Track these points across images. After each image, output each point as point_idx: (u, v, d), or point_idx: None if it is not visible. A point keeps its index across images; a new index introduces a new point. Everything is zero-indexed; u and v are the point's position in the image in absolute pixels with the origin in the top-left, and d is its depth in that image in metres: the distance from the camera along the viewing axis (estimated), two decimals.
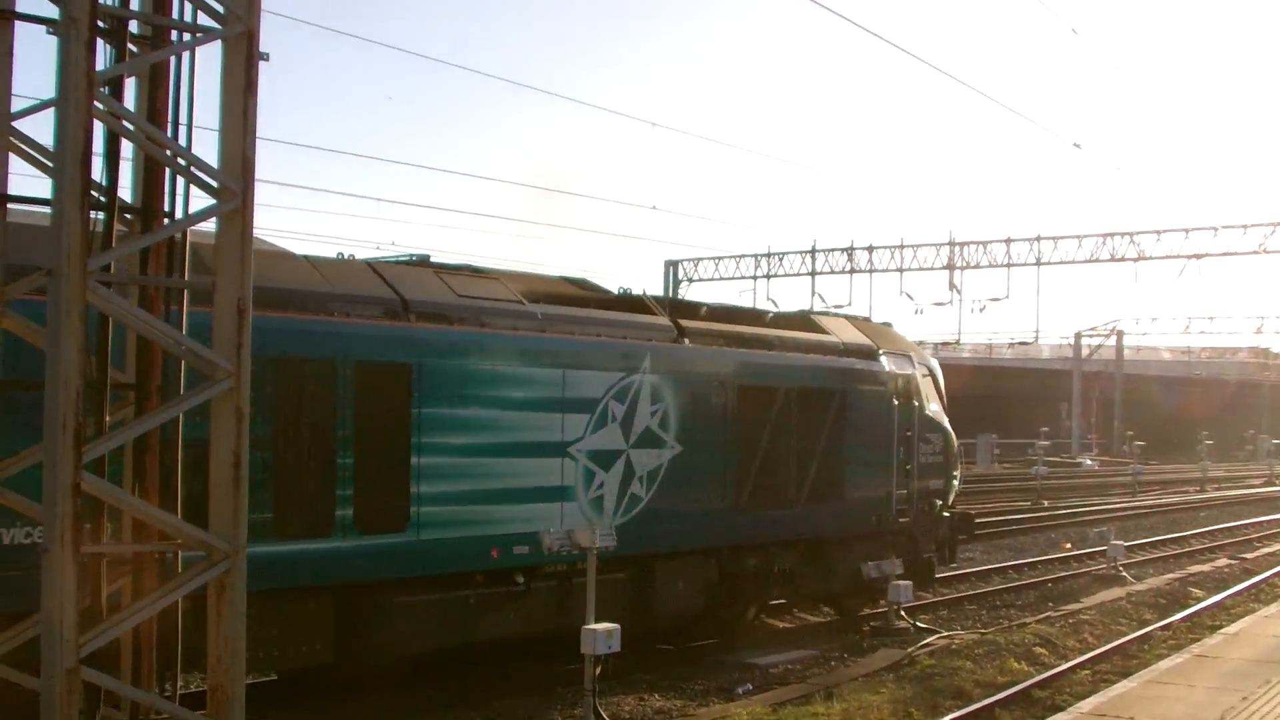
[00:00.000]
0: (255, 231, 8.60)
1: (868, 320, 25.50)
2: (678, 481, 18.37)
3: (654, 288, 44.92)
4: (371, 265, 16.07)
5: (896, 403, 22.84)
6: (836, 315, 24.99)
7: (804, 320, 22.97)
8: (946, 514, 24.69)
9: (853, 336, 22.74)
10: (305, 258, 15.51)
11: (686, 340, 18.97)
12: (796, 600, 22.50)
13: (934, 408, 24.15)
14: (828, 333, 22.27)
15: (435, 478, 15.24)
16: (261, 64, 8.49)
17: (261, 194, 8.73)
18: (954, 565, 26.40)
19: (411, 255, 17.97)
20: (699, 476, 18.78)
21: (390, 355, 14.90)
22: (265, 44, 8.54)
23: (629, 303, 19.02)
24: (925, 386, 23.94)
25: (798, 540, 20.82)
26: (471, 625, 15.74)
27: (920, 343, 35.14)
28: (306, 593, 14.02)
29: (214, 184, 8.35)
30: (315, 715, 15.00)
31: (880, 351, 22.90)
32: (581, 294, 18.67)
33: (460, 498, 15.53)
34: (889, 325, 25.20)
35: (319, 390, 14.18)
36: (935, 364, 25.38)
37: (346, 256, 16.59)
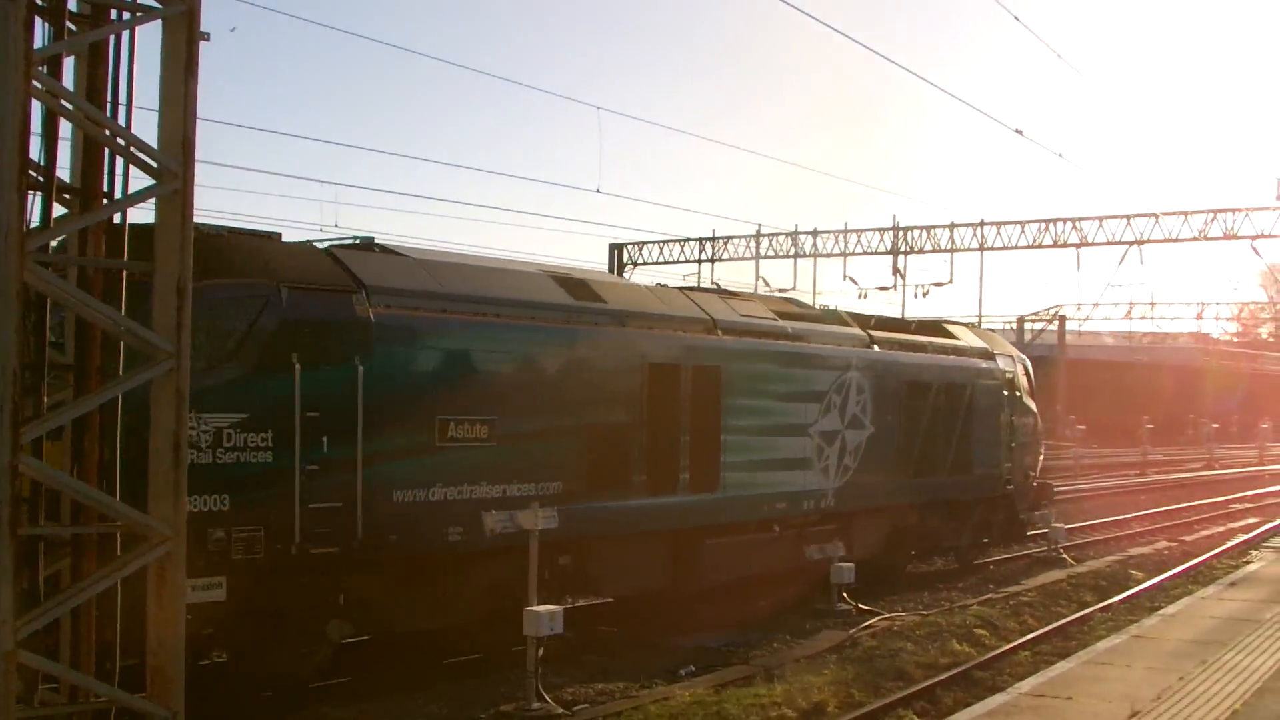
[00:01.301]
0: (196, 215, 8.56)
1: (977, 326, 32.47)
2: (871, 455, 23.60)
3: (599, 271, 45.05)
4: (684, 291, 21.77)
5: (1005, 393, 28.45)
6: (959, 323, 30.73)
7: (939, 327, 28.78)
8: (1035, 484, 30.37)
9: (974, 341, 28.72)
10: (644, 286, 21.69)
11: (875, 346, 24.34)
12: (935, 551, 27.72)
13: (1027, 397, 29.75)
14: (957, 338, 28.11)
15: (733, 451, 20.24)
16: (202, 44, 8.44)
17: (201, 174, 8.68)
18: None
19: (356, 238, 18.34)
20: (884, 452, 24.02)
21: (709, 360, 20.02)
22: (206, 23, 8.49)
23: (832, 316, 24.89)
24: (1021, 379, 29.58)
25: (941, 502, 26.23)
26: (747, 561, 20.84)
27: None
28: (658, 535, 19.13)
29: (154, 164, 8.30)
30: (258, 697, 14.94)
31: (994, 352, 28.75)
32: (799, 310, 24.34)
33: (747, 466, 20.63)
34: (994, 331, 32.12)
35: (670, 386, 19.18)
36: (1027, 360, 30.89)
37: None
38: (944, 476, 25.98)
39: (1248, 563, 27.59)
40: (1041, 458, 31.29)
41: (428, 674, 16.32)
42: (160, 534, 8.21)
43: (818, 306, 26.80)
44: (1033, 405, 30.08)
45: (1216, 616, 19.35)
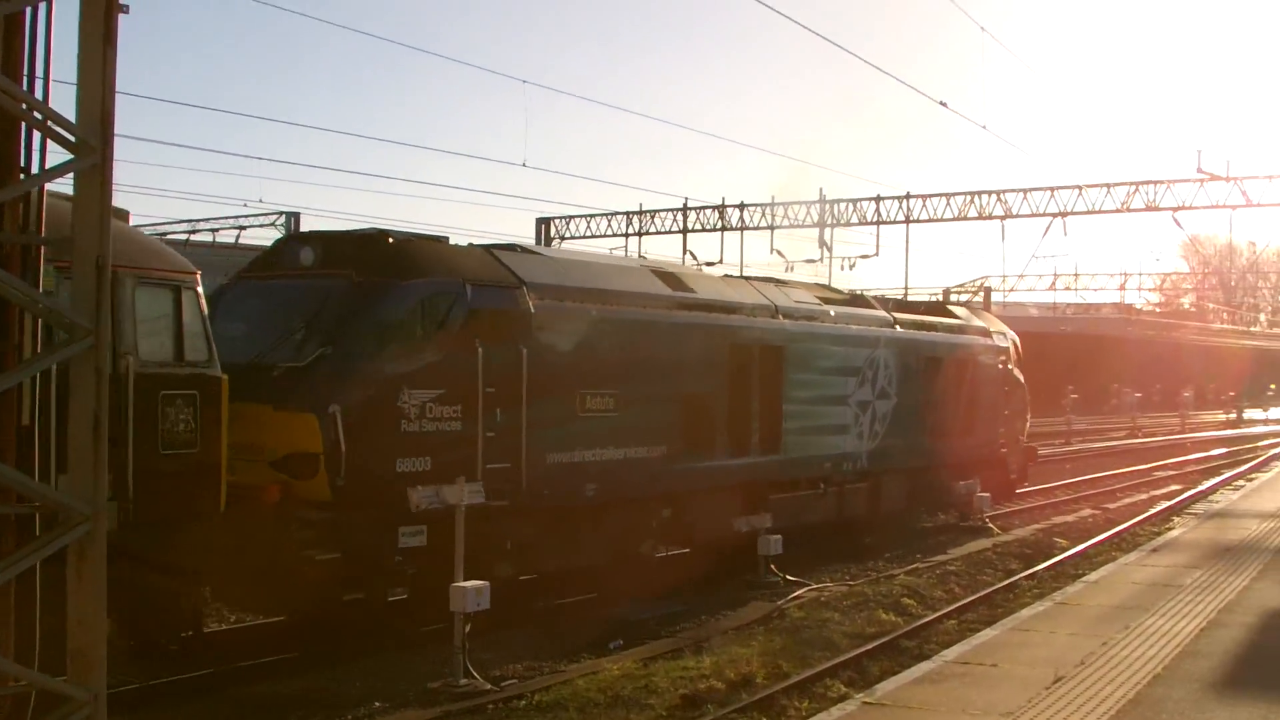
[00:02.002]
0: (116, 191, 8.45)
1: (977, 306, 37.41)
2: (895, 422, 27.14)
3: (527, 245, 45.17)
4: (749, 281, 25.62)
5: (1000, 366, 32.24)
6: (958, 304, 35.23)
7: (944, 308, 33.33)
8: (1024, 446, 34.34)
9: (975, 320, 32.86)
10: (720, 277, 25.35)
11: (897, 327, 27.89)
12: (943, 505, 30.70)
13: (1017, 369, 33.36)
14: (959, 318, 32.18)
15: (792, 419, 23.78)
16: (121, 16, 8.32)
17: (121, 149, 8.57)
18: (1027, 484, 35.87)
19: (281, 212, 18.55)
20: (905, 419, 27.53)
21: (774, 341, 23.52)
22: None
23: (862, 300, 28.88)
24: (1012, 353, 33.24)
25: (950, 463, 29.47)
26: (800, 513, 24.16)
27: None
28: (735, 489, 22.49)
29: (72, 139, 8.18)
30: (186, 673, 14.88)
31: (990, 330, 32.67)
32: (837, 295, 28.48)
33: (801, 431, 24.15)
34: (988, 311, 36.67)
35: (745, 363, 22.56)
36: (1015, 335, 34.42)
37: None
38: (952, 440, 29.45)
39: (1169, 529, 27.90)
40: (1029, 422, 35.22)
41: (355, 650, 16.27)
42: (80, 513, 8.12)
43: (847, 291, 31.35)
44: (1021, 376, 33.62)
45: (1139, 582, 19.61)
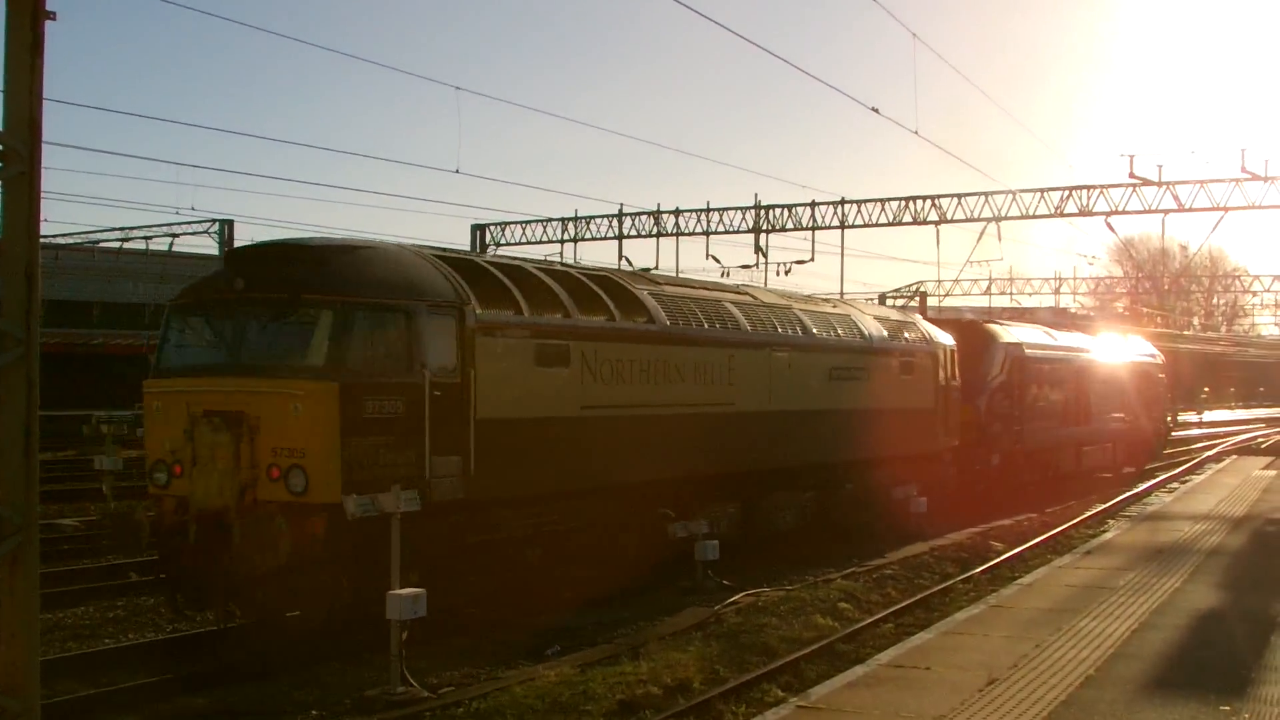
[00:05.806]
0: (44, 197, 8.39)
1: (1139, 338, 55.14)
2: (1113, 408, 46.22)
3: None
4: (1074, 333, 47.98)
5: (1156, 374, 51.92)
6: (1127, 338, 54.41)
7: (1122, 340, 50.97)
8: (1164, 427, 56.93)
9: (1139, 343, 52.57)
10: (1072, 334, 47.71)
11: (1115, 355, 48.33)
12: (1125, 463, 48.26)
13: (1161, 376, 53.52)
14: (1130, 344, 50.85)
15: (1092, 406, 43.86)
16: (49, 23, 8.26)
17: (48, 156, 8.51)
18: None
19: (214, 219, 18.42)
20: (1114, 407, 46.35)
21: (1085, 365, 44.01)
22: (52, 1, 8.31)
23: (1081, 338, 47.65)
24: (1160, 364, 53.48)
25: (1130, 435, 48.15)
26: (1093, 460, 44.73)
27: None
28: (1074, 445, 42.89)
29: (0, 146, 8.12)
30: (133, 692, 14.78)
31: (1148, 351, 52.14)
32: (1090, 335, 48.32)
33: (1094, 414, 43.99)
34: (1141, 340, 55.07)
35: (1079, 377, 43.45)
36: (1160, 354, 55.32)
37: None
38: (1130, 421, 47.82)
39: (1104, 531, 28.19)
40: (1168, 413, 56.78)
41: (291, 660, 16.14)
42: (12, 524, 8.05)
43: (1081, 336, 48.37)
44: (1163, 378, 53.25)
45: (1072, 585, 19.80)
